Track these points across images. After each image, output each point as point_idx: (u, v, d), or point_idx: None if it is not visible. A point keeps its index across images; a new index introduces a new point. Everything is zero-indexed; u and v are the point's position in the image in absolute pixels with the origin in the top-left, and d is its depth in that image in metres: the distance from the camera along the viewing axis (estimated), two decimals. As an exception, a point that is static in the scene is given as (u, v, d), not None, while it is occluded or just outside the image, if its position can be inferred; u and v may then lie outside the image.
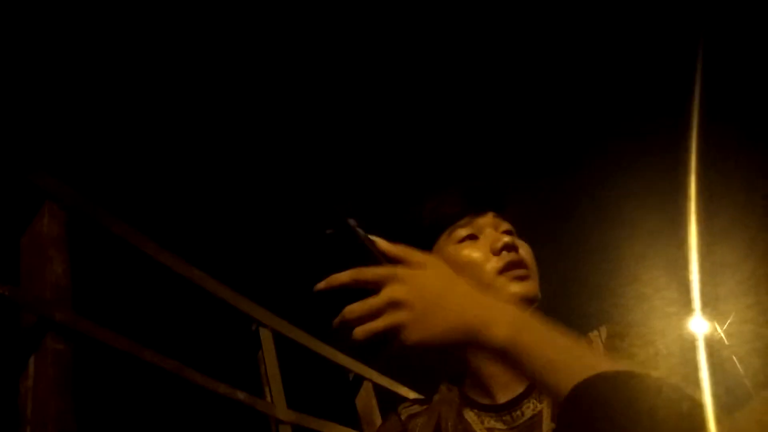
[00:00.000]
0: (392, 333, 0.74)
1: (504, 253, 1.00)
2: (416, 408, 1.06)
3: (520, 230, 1.08)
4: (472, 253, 1.03)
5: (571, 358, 0.72)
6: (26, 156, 1.65)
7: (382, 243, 0.80)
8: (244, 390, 2.35)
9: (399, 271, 0.77)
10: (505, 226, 1.05)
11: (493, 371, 0.97)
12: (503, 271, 0.99)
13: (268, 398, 2.54)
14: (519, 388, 0.96)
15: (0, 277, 1.53)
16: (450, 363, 1.06)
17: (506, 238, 1.01)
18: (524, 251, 1.03)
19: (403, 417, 1.05)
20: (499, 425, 0.95)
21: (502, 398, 0.96)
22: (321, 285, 0.77)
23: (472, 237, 1.03)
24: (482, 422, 0.97)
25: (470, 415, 0.99)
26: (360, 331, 0.74)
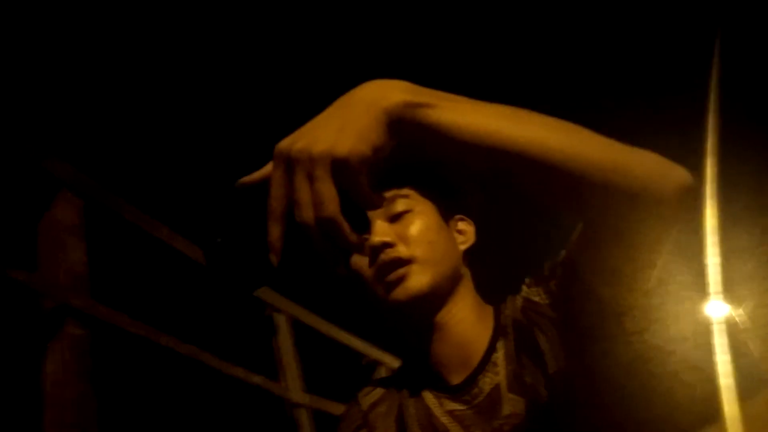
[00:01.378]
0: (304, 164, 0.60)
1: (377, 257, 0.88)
2: (376, 394, 0.99)
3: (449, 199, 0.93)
4: (357, 261, 0.91)
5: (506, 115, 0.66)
6: (42, 145, 1.67)
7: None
8: (260, 374, 2.37)
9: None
10: (399, 205, 0.91)
11: (442, 350, 0.91)
12: (377, 279, 0.88)
13: (284, 382, 2.57)
14: (472, 364, 0.89)
15: (18, 263, 1.55)
16: (406, 339, 0.98)
17: (374, 238, 0.88)
18: (414, 229, 0.89)
19: (363, 407, 0.98)
20: (459, 406, 0.90)
21: (457, 378, 0.90)
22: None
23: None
24: (441, 405, 0.91)
25: (430, 398, 0.93)
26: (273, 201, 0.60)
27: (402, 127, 0.63)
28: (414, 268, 0.88)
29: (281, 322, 2.67)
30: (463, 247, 0.95)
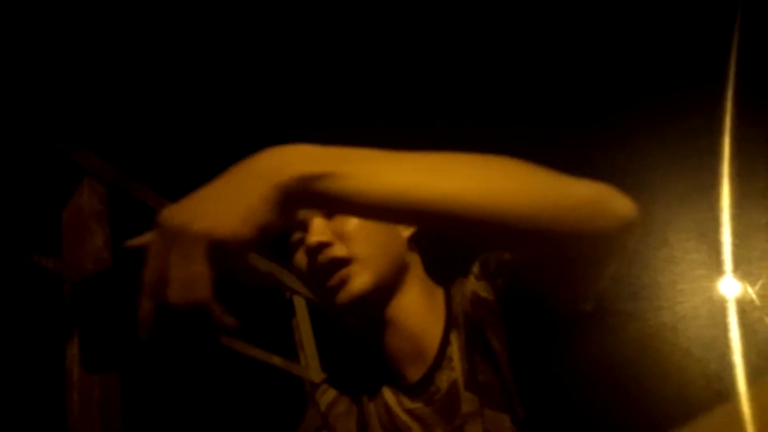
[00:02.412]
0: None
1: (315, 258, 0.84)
2: (332, 393, 0.96)
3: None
4: (298, 261, 0.87)
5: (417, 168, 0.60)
6: (66, 133, 1.70)
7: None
8: (280, 355, 2.41)
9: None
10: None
11: (394, 345, 0.88)
12: (318, 283, 0.85)
13: (303, 362, 2.61)
14: (428, 358, 0.86)
15: (43, 250, 1.59)
16: (358, 334, 0.95)
17: (310, 238, 0.84)
18: (351, 225, 0.85)
19: (322, 408, 0.95)
20: (418, 405, 0.86)
21: (414, 375, 0.87)
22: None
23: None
24: (401, 403, 0.88)
25: (389, 396, 0.90)
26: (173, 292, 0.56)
27: (300, 200, 0.59)
28: (354, 268, 0.84)
29: (300, 304, 2.71)
30: (406, 234, 0.91)
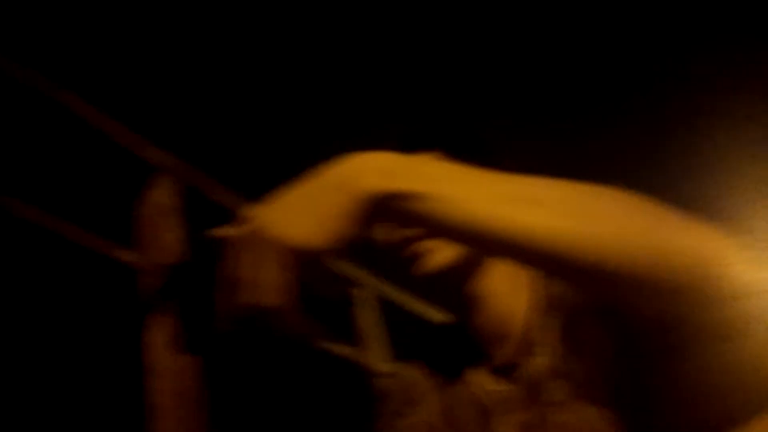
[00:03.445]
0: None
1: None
2: (410, 379, 0.93)
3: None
4: (377, 233, 0.84)
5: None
6: (139, 131, 1.78)
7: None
8: (345, 343, 2.45)
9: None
10: None
11: (480, 324, 0.86)
12: (397, 255, 0.83)
13: (368, 352, 2.64)
14: (514, 341, 0.83)
15: (118, 243, 1.67)
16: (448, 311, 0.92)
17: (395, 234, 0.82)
18: None
19: (405, 383, 0.93)
20: (503, 387, 0.84)
21: (500, 357, 0.85)
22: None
23: None
24: (486, 384, 0.86)
25: (474, 376, 0.87)
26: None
27: (378, 215, 0.57)
28: (437, 241, 0.81)
29: (361, 294, 2.74)
30: None
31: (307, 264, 0.56)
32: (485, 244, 0.57)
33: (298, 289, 0.56)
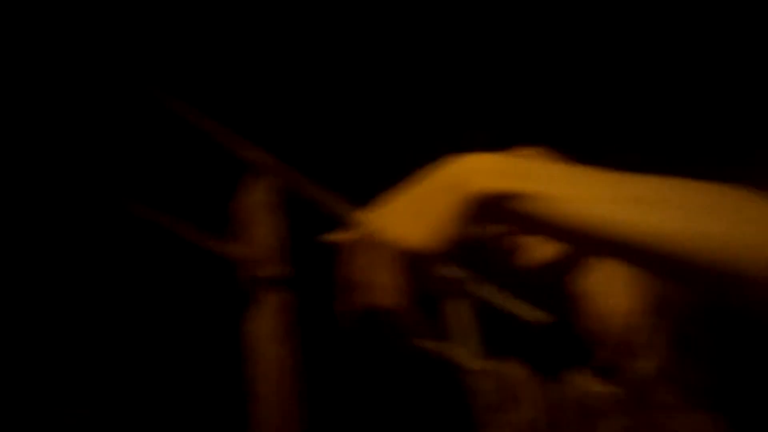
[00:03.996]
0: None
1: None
2: (516, 364, 0.89)
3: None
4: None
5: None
6: (235, 130, 1.86)
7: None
8: (433, 340, 2.45)
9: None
10: None
11: (586, 323, 0.84)
12: (499, 252, 0.80)
13: (458, 348, 2.64)
14: (622, 342, 0.81)
15: (216, 238, 1.75)
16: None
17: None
18: None
19: (503, 379, 0.88)
20: (609, 388, 0.83)
21: (606, 356, 0.83)
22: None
23: None
24: (590, 385, 0.86)
25: (578, 376, 0.89)
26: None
27: (490, 216, 0.57)
28: (537, 239, 0.79)
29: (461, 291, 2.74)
30: None
31: (420, 265, 0.57)
32: (598, 245, 0.56)
33: (413, 290, 0.58)
